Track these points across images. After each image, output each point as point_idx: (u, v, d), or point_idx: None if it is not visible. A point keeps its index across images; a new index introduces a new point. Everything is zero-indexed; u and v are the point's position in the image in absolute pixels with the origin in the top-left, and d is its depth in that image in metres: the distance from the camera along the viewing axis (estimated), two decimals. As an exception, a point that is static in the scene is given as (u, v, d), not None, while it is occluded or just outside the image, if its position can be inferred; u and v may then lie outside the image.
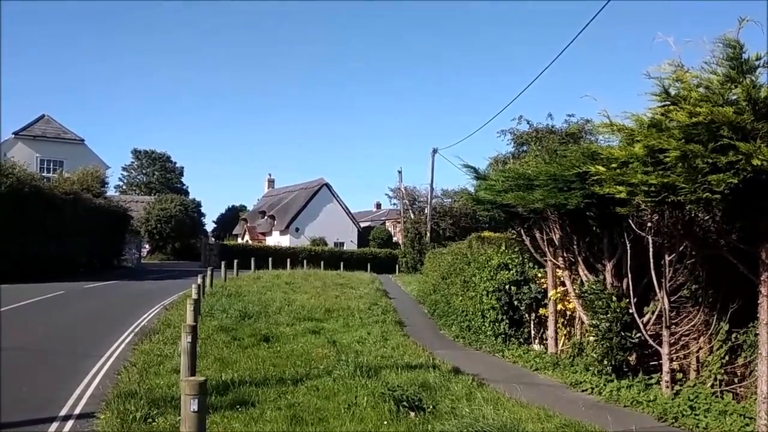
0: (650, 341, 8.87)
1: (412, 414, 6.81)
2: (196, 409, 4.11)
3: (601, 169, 7.75)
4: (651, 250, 8.46)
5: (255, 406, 6.99)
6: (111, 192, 43.01)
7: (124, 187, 75.95)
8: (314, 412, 6.85)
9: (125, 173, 78.39)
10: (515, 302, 12.24)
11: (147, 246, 54.85)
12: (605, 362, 9.14)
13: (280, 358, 10.03)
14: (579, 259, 10.38)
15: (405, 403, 6.98)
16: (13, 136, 38.96)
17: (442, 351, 12.04)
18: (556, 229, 10.87)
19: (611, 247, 9.73)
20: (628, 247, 9.04)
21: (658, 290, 8.58)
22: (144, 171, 79.11)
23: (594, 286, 9.61)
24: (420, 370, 9.33)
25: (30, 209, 23.98)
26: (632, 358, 9.17)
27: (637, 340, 8.98)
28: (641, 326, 8.99)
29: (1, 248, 22.08)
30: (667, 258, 8.44)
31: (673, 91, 6.77)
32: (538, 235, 11.62)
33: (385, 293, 23.55)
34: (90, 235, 29.79)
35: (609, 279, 9.68)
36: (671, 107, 6.66)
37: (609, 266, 9.71)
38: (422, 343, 12.68)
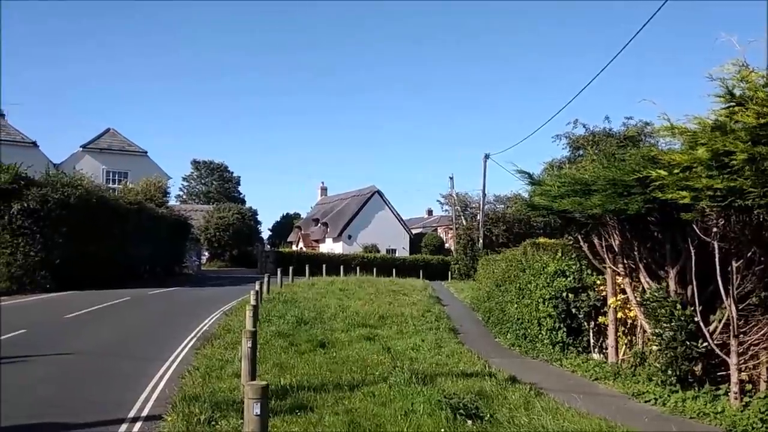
0: (717, 351, 8.53)
1: (469, 422, 6.78)
2: (258, 413, 4.21)
3: (663, 173, 7.54)
4: (717, 256, 8.13)
5: (313, 410, 7.11)
6: (172, 201, 44.66)
7: (184, 196, 78.67)
8: (371, 419, 6.90)
9: (185, 183, 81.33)
10: (573, 310, 11.98)
11: (206, 253, 56.51)
12: (669, 372, 8.85)
13: (336, 363, 10.15)
14: (640, 265, 10.08)
15: (462, 411, 6.95)
16: (81, 149, 41.01)
17: (497, 359, 11.93)
18: (615, 235, 10.60)
19: (674, 253, 9.41)
20: (693, 253, 8.73)
21: (725, 298, 8.25)
22: (203, 181, 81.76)
23: (656, 294, 9.32)
24: (476, 378, 9.27)
25: (97, 219, 25.12)
26: (698, 368, 8.83)
27: (703, 349, 8.65)
28: (707, 335, 8.66)
29: (70, 256, 23.24)
30: (734, 264, 8.11)
31: (737, 92, 6.54)
32: (596, 241, 11.36)
33: (438, 300, 23.47)
34: (153, 244, 30.95)
35: (672, 286, 9.36)
36: (736, 108, 6.43)
37: (672, 273, 9.40)
38: (477, 350, 12.59)
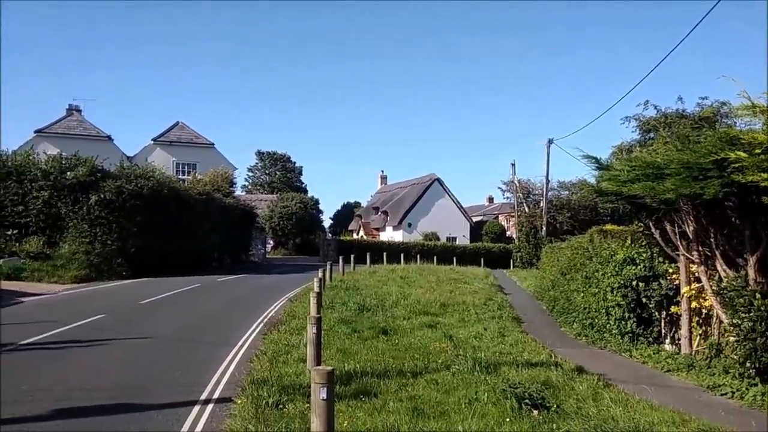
0: (802, 343, 8.03)
1: (535, 412, 6.66)
2: (325, 398, 4.28)
3: (743, 155, 7.14)
4: (803, 243, 7.64)
5: (377, 396, 7.15)
6: (238, 191, 45.95)
7: (249, 186, 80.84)
8: (435, 406, 6.89)
9: (250, 173, 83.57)
10: (643, 299, 11.55)
11: (271, 242, 57.97)
12: (748, 364, 8.42)
13: (399, 350, 10.19)
14: (716, 253, 9.59)
15: (527, 400, 6.83)
16: (153, 142, 42.78)
17: (563, 349, 11.68)
18: (689, 221, 10.11)
19: (754, 239, 8.89)
20: (775, 240, 8.23)
21: (811, 287, 7.74)
22: (267, 171, 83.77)
23: (734, 282, 8.85)
24: (541, 368, 9.10)
25: (168, 209, 26.19)
26: (780, 361, 8.35)
27: (786, 341, 8.17)
28: (791, 326, 8.16)
29: (143, 245, 24.35)
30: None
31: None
32: (668, 227, 10.88)
33: (500, 288, 23.19)
34: (221, 232, 31.94)
35: (752, 274, 8.86)
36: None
37: (752, 261, 8.89)
38: (542, 340, 12.37)
